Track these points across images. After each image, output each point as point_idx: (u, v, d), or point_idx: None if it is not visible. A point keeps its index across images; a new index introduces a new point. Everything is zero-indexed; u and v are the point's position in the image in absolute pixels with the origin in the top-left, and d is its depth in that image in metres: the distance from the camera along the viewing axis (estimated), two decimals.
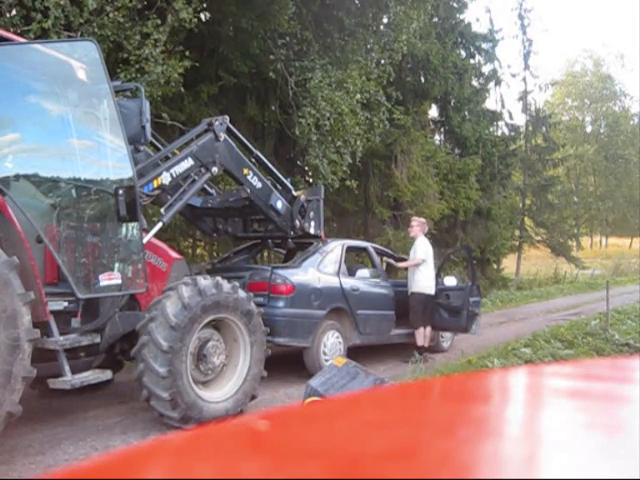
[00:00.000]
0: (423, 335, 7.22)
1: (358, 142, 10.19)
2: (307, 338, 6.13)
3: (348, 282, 6.74)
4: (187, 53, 7.74)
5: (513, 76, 24.08)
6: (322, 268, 6.50)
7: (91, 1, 6.45)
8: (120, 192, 4.21)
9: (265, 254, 10.37)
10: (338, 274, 6.65)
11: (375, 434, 0.63)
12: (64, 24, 6.59)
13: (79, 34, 6.68)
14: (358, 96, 9.75)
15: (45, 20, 6.29)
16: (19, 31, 6.29)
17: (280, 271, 6.23)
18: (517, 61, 27.86)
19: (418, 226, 7.53)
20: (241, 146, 6.12)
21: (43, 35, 6.43)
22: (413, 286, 7.22)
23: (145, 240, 4.56)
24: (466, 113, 17.72)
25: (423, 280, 7.19)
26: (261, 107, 11.23)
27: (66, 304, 4.15)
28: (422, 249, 7.29)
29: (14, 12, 6.66)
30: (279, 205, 6.29)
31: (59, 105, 4.43)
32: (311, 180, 11.21)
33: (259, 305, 5.35)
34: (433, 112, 18.19)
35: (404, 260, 7.87)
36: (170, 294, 4.40)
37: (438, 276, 8.40)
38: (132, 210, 4.26)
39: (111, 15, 6.73)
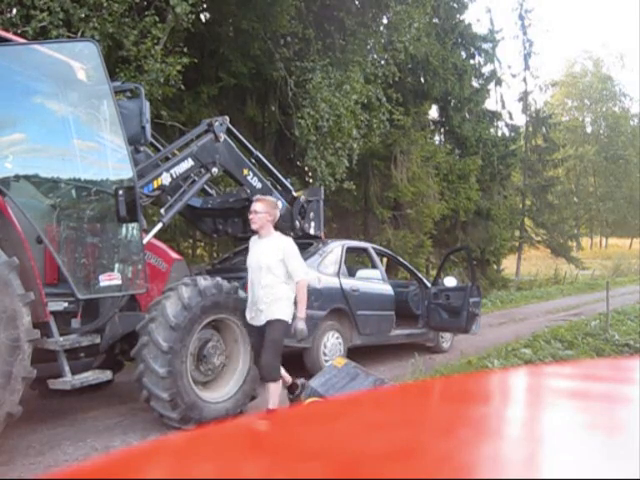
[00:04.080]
0: (279, 389, 4.42)
1: (355, 145, 10.20)
2: (307, 338, 6.12)
3: (348, 283, 6.74)
4: (185, 50, 7.74)
5: (513, 76, 24.20)
6: (322, 269, 6.50)
7: None
8: (120, 192, 4.21)
9: None
10: (338, 275, 6.65)
11: (375, 434, 0.63)
12: (63, 20, 6.58)
13: (80, 31, 6.69)
14: (355, 96, 9.74)
15: (46, 15, 6.29)
16: (19, 31, 6.29)
17: None
18: (517, 61, 27.91)
19: (267, 212, 4.45)
20: (241, 147, 6.12)
21: (42, 33, 6.42)
22: (274, 310, 4.28)
23: (145, 241, 4.56)
24: (466, 113, 17.73)
25: (288, 299, 4.37)
26: (261, 108, 11.24)
27: (66, 305, 4.15)
28: (295, 251, 4.45)
29: (14, 12, 6.66)
30: (279, 206, 6.29)
31: (59, 106, 4.43)
32: (310, 181, 11.21)
33: None
34: (433, 112, 18.22)
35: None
36: (170, 294, 4.39)
37: (438, 276, 8.42)
38: (132, 211, 4.26)
39: (107, 7, 6.71)
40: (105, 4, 6.72)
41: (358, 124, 10.16)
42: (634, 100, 50.97)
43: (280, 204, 6.28)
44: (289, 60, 10.17)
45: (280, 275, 4.29)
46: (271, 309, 4.27)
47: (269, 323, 4.25)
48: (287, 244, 4.40)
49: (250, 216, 4.47)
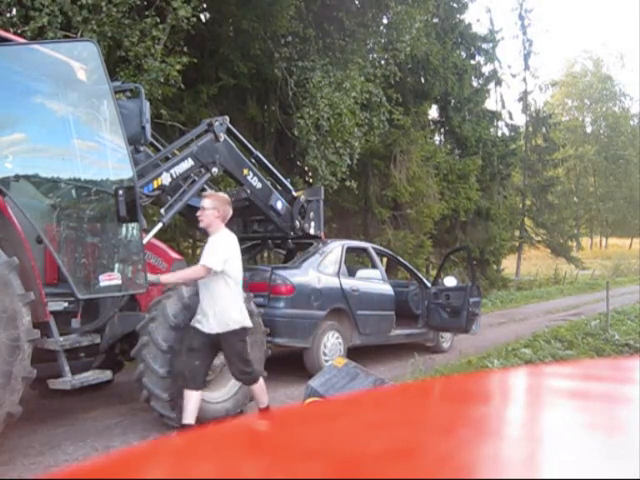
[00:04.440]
0: (263, 386, 4.31)
1: (356, 144, 10.20)
2: (307, 338, 6.13)
3: (348, 283, 6.74)
4: (185, 50, 7.75)
5: (513, 76, 24.20)
6: (322, 269, 6.50)
7: None
8: (120, 192, 4.21)
9: (265, 254, 10.37)
10: (338, 275, 6.65)
11: (375, 434, 0.63)
12: (63, 22, 6.59)
13: (79, 33, 6.69)
14: (354, 94, 9.74)
15: (41, 17, 6.29)
16: (19, 31, 6.29)
17: (280, 271, 6.24)
18: (517, 61, 27.93)
19: (215, 209, 4.07)
20: (241, 146, 6.12)
21: (40, 34, 6.42)
22: (226, 321, 3.95)
23: (145, 240, 4.56)
24: (466, 113, 17.73)
25: (231, 300, 4.03)
26: (261, 107, 11.23)
27: (66, 304, 4.15)
28: (223, 249, 4.05)
29: (14, 12, 6.66)
30: (279, 206, 6.29)
31: (59, 106, 4.43)
32: (311, 181, 11.21)
33: (259, 305, 5.35)
34: (433, 112, 18.22)
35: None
36: (170, 294, 4.40)
37: (438, 276, 8.42)
38: (132, 210, 4.26)
39: (106, 10, 6.71)
40: (105, 8, 6.72)
41: (359, 122, 10.16)
42: (634, 100, 51.07)
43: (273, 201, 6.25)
44: (289, 60, 10.17)
45: (219, 275, 3.96)
46: (222, 320, 3.93)
47: (224, 337, 3.94)
48: (219, 238, 4.07)
49: (198, 213, 4.12)
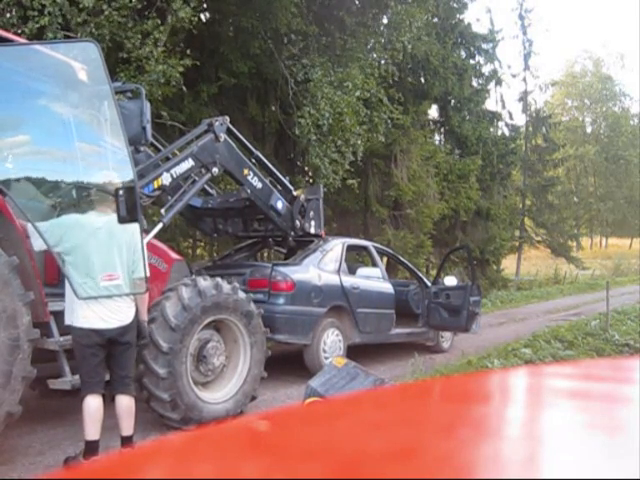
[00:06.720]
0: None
1: (359, 141, 10.20)
2: (307, 335, 6.13)
3: (348, 280, 6.74)
4: (187, 52, 7.75)
5: (513, 76, 24.15)
6: (323, 266, 6.50)
7: (87, 0, 6.45)
8: (120, 193, 4.20)
9: (265, 252, 10.37)
10: (338, 272, 6.65)
11: (375, 434, 0.63)
12: (61, 24, 6.59)
13: (78, 35, 6.69)
14: (357, 93, 9.73)
15: (42, 17, 6.29)
16: (19, 31, 6.29)
17: (281, 268, 6.24)
18: (517, 61, 27.95)
19: None
20: (241, 146, 6.12)
21: (39, 34, 6.42)
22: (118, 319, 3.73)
23: (145, 241, 4.55)
24: (466, 113, 17.72)
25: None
26: (261, 107, 11.22)
27: None
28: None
29: (13, 12, 6.66)
30: (279, 205, 6.30)
31: (60, 106, 4.42)
32: (311, 180, 11.20)
33: (259, 302, 5.36)
34: (433, 112, 18.20)
35: None
36: (170, 295, 4.40)
37: (438, 276, 8.42)
38: (132, 211, 4.25)
39: (107, 13, 6.72)
40: (107, 12, 6.71)
41: (360, 121, 10.15)
42: (634, 100, 51.12)
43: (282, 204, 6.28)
44: (289, 58, 10.16)
45: None
46: None
47: None
48: None
49: None
